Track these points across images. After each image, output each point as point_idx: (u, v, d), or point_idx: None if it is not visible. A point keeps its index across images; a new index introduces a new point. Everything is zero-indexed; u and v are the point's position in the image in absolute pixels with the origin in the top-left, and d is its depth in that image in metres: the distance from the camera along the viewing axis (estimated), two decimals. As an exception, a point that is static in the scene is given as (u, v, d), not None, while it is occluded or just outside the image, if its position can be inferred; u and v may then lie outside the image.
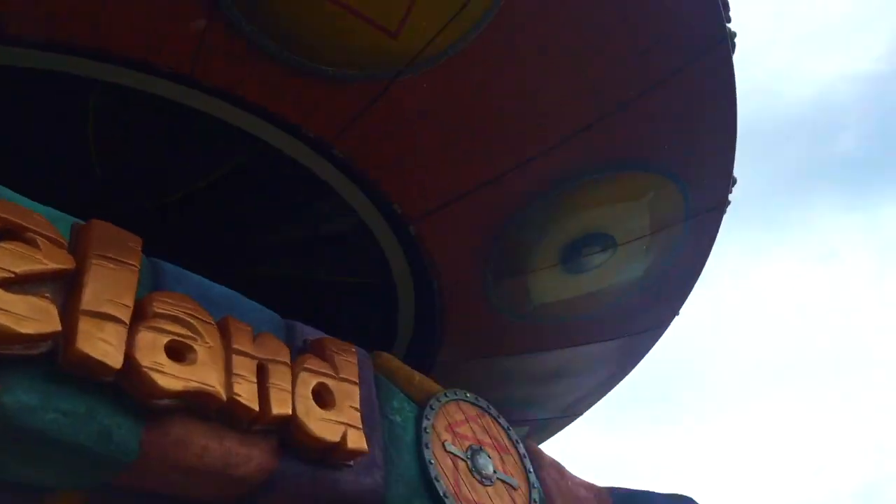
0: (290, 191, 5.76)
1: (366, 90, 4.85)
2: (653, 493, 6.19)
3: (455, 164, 5.35)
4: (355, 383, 4.09)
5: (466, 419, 4.95)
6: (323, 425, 3.67)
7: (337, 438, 3.70)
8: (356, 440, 3.80)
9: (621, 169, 5.66)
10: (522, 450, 5.19)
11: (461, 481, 4.53)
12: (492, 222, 5.72)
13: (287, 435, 3.59)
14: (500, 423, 5.17)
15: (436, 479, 4.36)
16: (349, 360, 4.15)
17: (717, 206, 6.38)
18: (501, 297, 6.21)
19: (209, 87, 4.77)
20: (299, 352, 3.98)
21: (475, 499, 4.50)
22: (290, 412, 3.55)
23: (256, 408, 3.43)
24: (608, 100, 5.21)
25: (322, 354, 4.02)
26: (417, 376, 4.84)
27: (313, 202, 5.91)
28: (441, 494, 4.32)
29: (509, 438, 5.16)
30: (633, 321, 7.06)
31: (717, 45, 5.23)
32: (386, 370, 4.65)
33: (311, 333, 4.18)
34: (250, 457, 3.49)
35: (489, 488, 4.67)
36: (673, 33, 5.05)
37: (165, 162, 5.67)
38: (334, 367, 4.00)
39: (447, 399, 4.85)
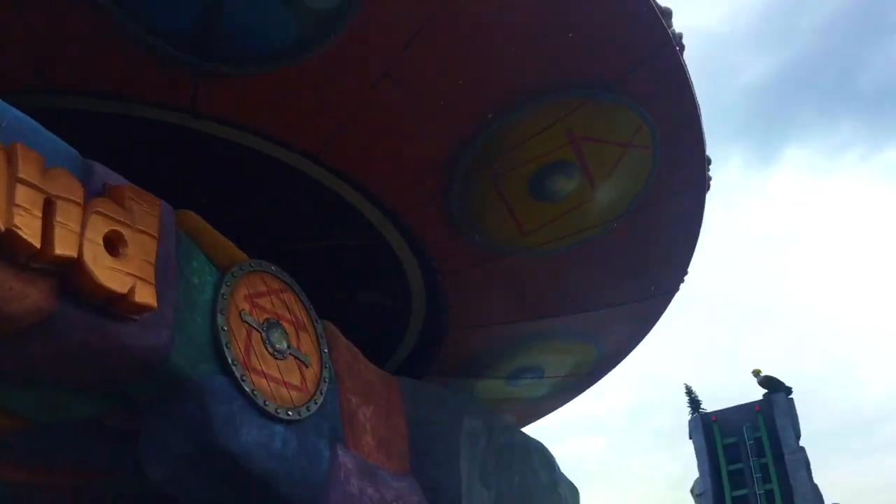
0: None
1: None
2: (441, 389, 6.49)
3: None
4: (154, 237, 3.89)
5: (269, 292, 4.88)
6: (110, 274, 3.47)
7: (124, 290, 3.52)
8: (145, 295, 3.63)
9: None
10: (320, 330, 5.21)
11: (252, 351, 4.50)
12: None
13: (70, 278, 3.36)
14: (301, 301, 5.14)
15: (226, 345, 4.30)
16: (150, 213, 3.93)
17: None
18: None
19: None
20: (96, 194, 3.70)
21: (264, 370, 4.50)
22: (74, 254, 3.31)
23: (38, 244, 3.18)
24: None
25: (121, 201, 3.75)
26: (224, 242, 4.67)
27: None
28: (229, 361, 4.27)
29: (309, 317, 5.16)
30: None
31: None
32: (191, 229, 4.44)
33: (113, 179, 3.89)
34: (26, 294, 3.25)
35: (280, 362, 4.67)
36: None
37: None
38: (132, 216, 3.77)
39: (251, 269, 4.75)
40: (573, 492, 7.93)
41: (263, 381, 4.47)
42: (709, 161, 6.75)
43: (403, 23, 4.82)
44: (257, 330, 4.60)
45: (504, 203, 6.22)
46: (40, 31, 4.79)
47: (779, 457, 20.55)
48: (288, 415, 4.51)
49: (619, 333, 8.05)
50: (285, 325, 4.84)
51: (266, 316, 4.73)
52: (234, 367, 4.28)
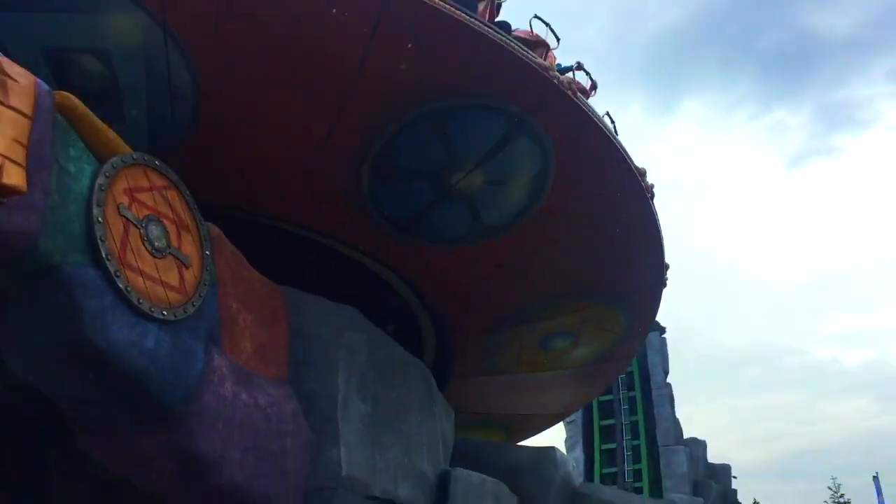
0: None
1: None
2: (326, 302, 6.48)
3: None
4: (28, 117, 3.67)
5: (151, 187, 4.70)
6: (-26, 151, 3.26)
7: (-10, 169, 3.32)
8: (14, 176, 3.45)
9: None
10: (204, 232, 5.08)
11: (129, 247, 4.35)
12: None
13: (-73, 152, 3.15)
14: (186, 201, 4.99)
15: (101, 239, 4.13)
16: (25, 90, 3.70)
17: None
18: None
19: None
20: (-37, 65, 3.45)
21: (140, 267, 4.36)
22: (-67, 126, 3.10)
23: None
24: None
25: (-9, 75, 3.52)
26: (106, 130, 4.44)
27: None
28: (103, 255, 4.11)
29: (193, 218, 5.02)
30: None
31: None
32: (71, 114, 4.19)
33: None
34: None
35: (159, 260, 4.54)
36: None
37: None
38: (4, 92, 3.54)
39: (133, 161, 4.55)
40: (448, 411, 8.17)
41: (139, 278, 4.34)
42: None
43: (533, 239, 8.04)
44: (135, 225, 4.44)
45: (517, 348, 9.84)
46: (295, 176, 6.83)
47: (647, 391, 21.76)
48: (163, 315, 4.41)
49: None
50: (166, 223, 4.69)
51: (146, 212, 4.57)
52: (107, 262, 4.13)
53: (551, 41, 8.39)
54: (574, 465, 9.87)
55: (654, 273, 9.69)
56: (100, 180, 4.23)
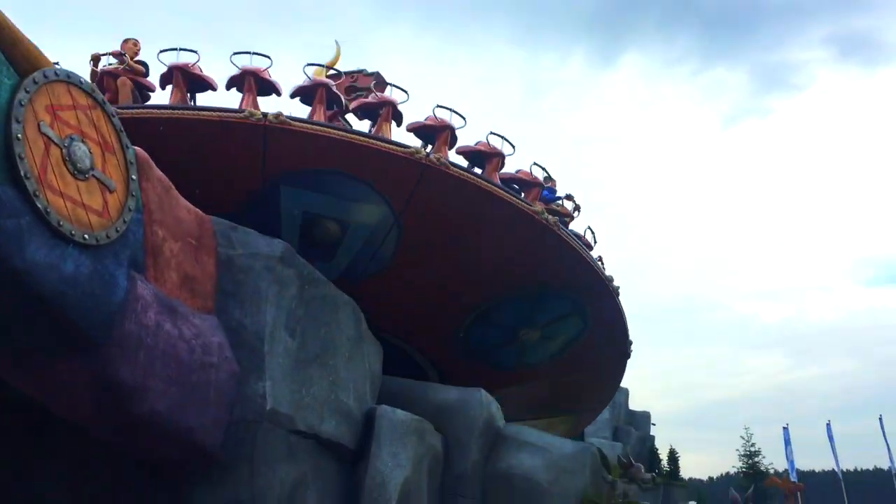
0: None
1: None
2: (256, 234, 6.38)
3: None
4: (-61, 23, 3.45)
5: (75, 106, 4.50)
6: None
7: None
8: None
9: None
10: (131, 156, 4.91)
11: (50, 167, 4.17)
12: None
13: None
14: (112, 122, 4.80)
15: (20, 157, 3.95)
16: (-63, -7, 3.47)
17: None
18: None
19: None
20: None
21: (61, 188, 4.20)
22: None
23: None
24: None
25: None
26: (27, 42, 4.21)
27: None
28: (22, 174, 3.94)
29: (119, 141, 4.84)
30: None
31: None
32: (-12, 23, 3.98)
33: None
34: None
35: (81, 182, 4.38)
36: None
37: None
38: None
39: (56, 78, 4.34)
40: (377, 349, 8.20)
41: (60, 200, 4.18)
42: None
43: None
44: (57, 145, 4.26)
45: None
46: (425, 316, 10.75)
47: (574, 339, 22.25)
48: (84, 238, 4.27)
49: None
50: (90, 144, 4.51)
51: (69, 132, 4.38)
52: (26, 181, 3.96)
53: (507, 149, 10.95)
54: (498, 407, 10.02)
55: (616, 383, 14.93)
56: (20, 95, 4.03)
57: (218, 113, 8.83)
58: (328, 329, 6.85)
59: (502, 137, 10.75)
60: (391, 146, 9.21)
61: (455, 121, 10.29)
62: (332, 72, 11.81)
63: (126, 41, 10.20)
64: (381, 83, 12.03)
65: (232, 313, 5.86)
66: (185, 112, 8.99)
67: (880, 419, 31.15)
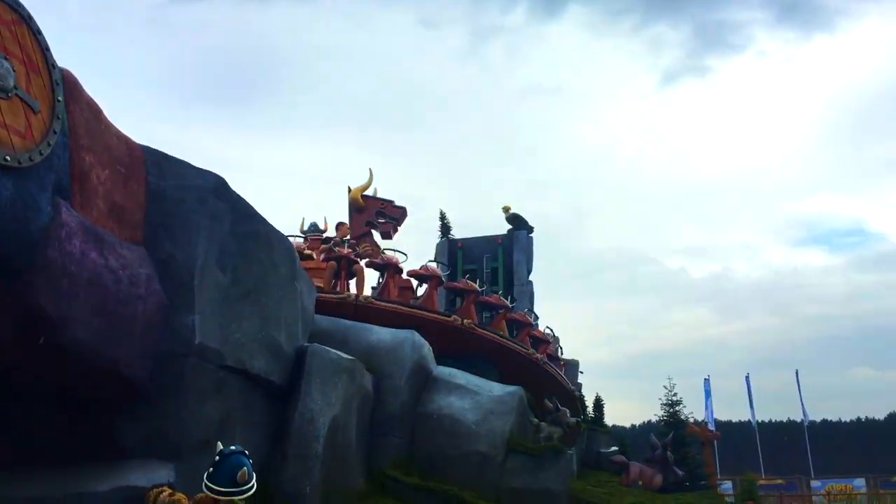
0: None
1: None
2: (189, 166, 6.22)
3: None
4: None
5: (-3, 21, 4.27)
6: None
7: None
8: None
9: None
10: (57, 76, 4.70)
11: (-31, 83, 3.97)
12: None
13: None
14: (39, 42, 4.57)
15: (-65, 70, 3.76)
16: None
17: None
18: None
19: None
20: None
21: (-20, 106, 4.00)
22: None
23: None
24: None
25: None
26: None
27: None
28: (-62, 89, 3.75)
29: (45, 60, 4.62)
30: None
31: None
32: None
33: None
34: None
35: (3, 101, 4.17)
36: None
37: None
38: None
39: (-24, -12, 4.11)
40: (310, 287, 8.17)
41: (-21, 118, 4.00)
42: None
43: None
44: (-23, 60, 4.05)
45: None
46: None
47: (510, 286, 22.57)
48: (5, 160, 4.09)
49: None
50: (14, 62, 4.30)
51: (-9, 48, 4.16)
52: (-58, 97, 3.77)
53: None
54: (430, 349, 10.14)
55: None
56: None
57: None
58: (261, 266, 6.78)
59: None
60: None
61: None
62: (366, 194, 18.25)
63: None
64: (404, 216, 18.77)
65: (162, 245, 5.74)
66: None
67: (796, 374, 32.43)
